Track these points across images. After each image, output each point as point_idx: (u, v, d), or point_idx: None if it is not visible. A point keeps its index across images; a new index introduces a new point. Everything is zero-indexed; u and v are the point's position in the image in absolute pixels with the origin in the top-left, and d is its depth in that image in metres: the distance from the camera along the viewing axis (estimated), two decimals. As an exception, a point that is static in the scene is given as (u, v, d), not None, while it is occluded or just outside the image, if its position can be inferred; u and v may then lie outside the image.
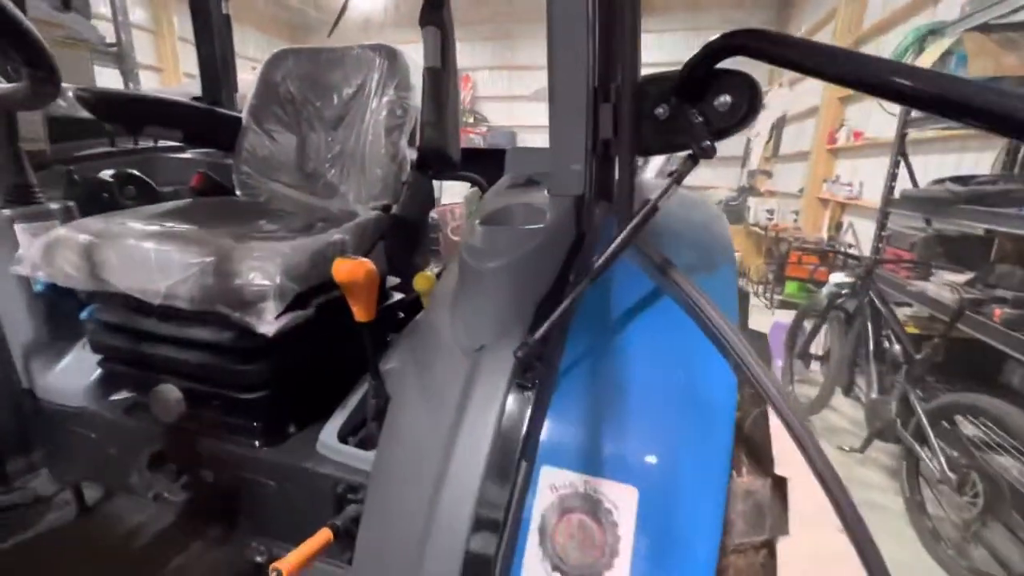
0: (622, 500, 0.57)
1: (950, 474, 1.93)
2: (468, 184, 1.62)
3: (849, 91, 5.41)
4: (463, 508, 0.58)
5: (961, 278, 2.35)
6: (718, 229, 0.89)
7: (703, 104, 0.57)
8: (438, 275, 1.06)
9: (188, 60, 8.04)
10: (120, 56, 3.63)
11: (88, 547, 1.11)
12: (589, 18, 0.62)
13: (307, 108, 1.36)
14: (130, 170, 1.41)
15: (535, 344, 0.60)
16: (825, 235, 5.46)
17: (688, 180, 0.66)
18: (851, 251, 3.93)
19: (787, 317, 3.35)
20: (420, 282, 0.99)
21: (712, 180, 8.12)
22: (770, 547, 0.75)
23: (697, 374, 0.64)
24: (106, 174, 1.37)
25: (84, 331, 1.09)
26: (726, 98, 0.55)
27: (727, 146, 0.70)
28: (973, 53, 2.21)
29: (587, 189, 0.70)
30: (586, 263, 0.73)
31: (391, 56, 1.29)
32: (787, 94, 6.79)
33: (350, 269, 0.78)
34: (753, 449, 0.78)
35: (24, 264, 0.97)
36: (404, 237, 1.18)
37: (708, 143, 0.54)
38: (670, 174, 0.58)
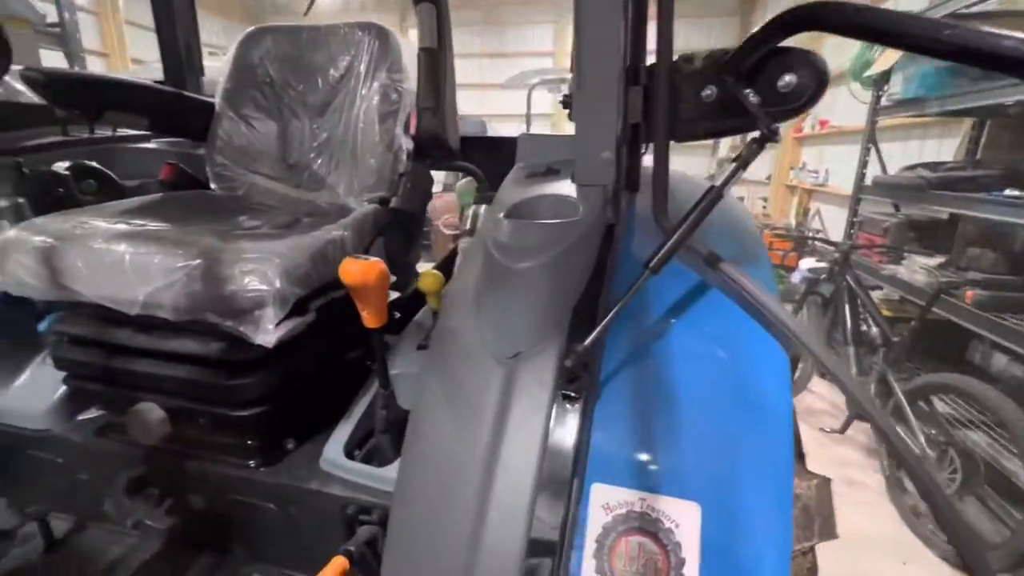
0: (683, 517, 0.53)
1: (929, 452, 2.00)
2: (444, 173, 1.54)
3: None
4: (514, 531, 0.53)
5: (933, 261, 2.43)
6: (743, 217, 0.86)
7: (759, 85, 0.53)
8: (438, 270, 1.00)
9: (135, 45, 7.54)
10: (64, 37, 3.34)
11: (59, 583, 1.01)
12: None
13: (288, 92, 1.25)
14: (88, 162, 1.27)
15: (584, 351, 0.55)
16: (793, 221, 5.62)
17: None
18: (819, 236, 4.04)
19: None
20: (427, 281, 0.92)
21: (682, 169, 8.23)
22: (813, 549, 0.73)
23: (746, 366, 0.61)
24: (60, 167, 1.23)
25: (43, 345, 0.97)
26: (790, 78, 0.51)
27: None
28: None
29: (617, 178, 0.65)
30: (616, 258, 0.69)
31: (381, 36, 1.19)
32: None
33: (361, 270, 0.70)
34: (792, 448, 0.75)
35: None
36: (403, 232, 1.10)
37: (776, 125, 0.50)
38: (734, 159, 0.53)
